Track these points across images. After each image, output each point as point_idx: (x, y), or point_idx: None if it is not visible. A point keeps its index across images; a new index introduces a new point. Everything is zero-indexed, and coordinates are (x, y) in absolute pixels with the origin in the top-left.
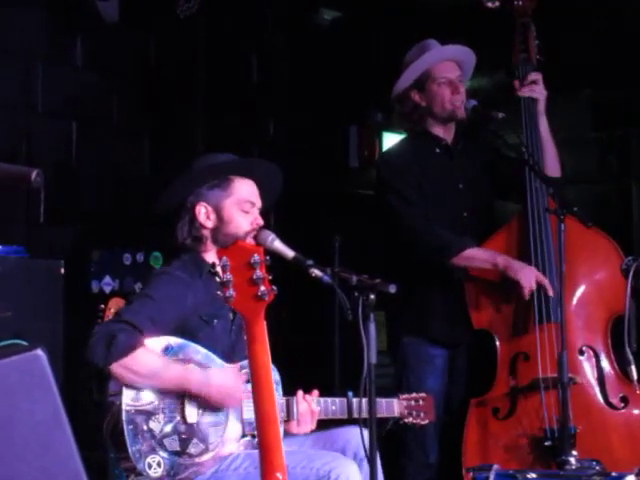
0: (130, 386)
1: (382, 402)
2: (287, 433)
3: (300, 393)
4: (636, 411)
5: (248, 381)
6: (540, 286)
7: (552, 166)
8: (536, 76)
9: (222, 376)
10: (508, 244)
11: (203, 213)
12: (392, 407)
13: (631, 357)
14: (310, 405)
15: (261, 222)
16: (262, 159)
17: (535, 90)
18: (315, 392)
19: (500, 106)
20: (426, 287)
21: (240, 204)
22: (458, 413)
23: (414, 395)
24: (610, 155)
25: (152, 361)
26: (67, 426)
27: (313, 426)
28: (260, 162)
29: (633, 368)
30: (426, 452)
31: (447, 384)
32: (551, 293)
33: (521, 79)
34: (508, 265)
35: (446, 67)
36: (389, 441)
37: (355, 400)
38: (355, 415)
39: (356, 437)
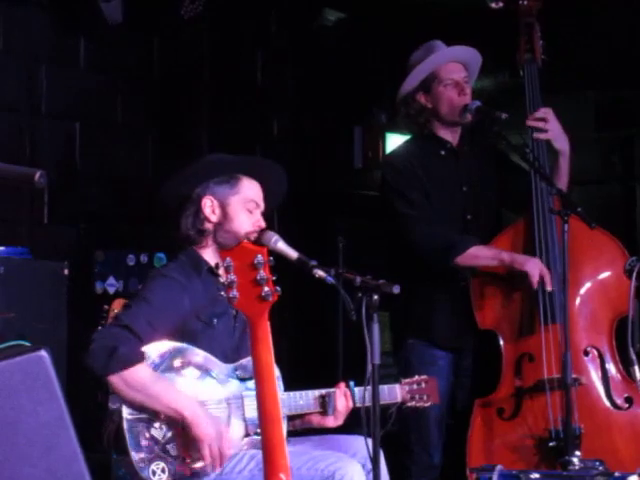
0: (122, 398)
1: (384, 388)
2: (320, 426)
3: (342, 388)
4: None
5: (245, 379)
6: (544, 287)
7: None
8: (545, 113)
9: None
10: (514, 245)
11: (209, 206)
12: (395, 393)
13: (634, 357)
14: (348, 401)
15: (263, 224)
16: (271, 161)
17: (547, 128)
18: (342, 384)
19: (503, 107)
20: (429, 289)
21: (246, 203)
22: (463, 414)
23: (416, 378)
24: (613, 156)
25: (149, 379)
26: (71, 427)
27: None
28: (270, 164)
29: (636, 368)
30: (430, 453)
31: (452, 385)
32: (549, 288)
33: (529, 108)
34: (513, 259)
35: (452, 68)
36: (393, 443)
37: (357, 390)
38: (358, 404)
39: (363, 449)
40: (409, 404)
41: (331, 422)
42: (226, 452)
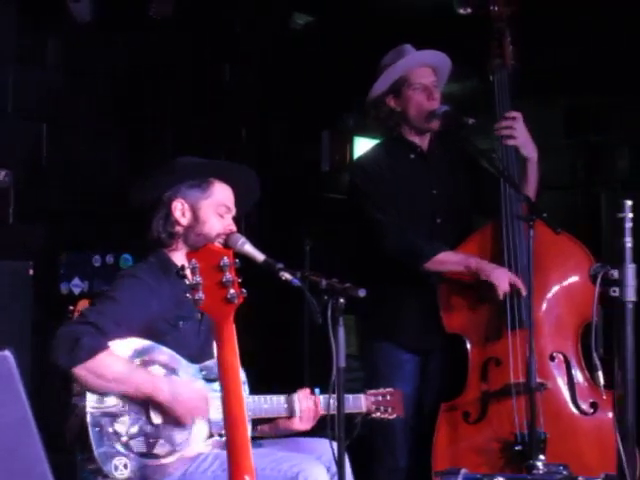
0: (93, 390)
1: (349, 398)
2: (289, 430)
3: (304, 390)
4: (605, 416)
5: (211, 380)
6: (513, 291)
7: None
8: (513, 122)
9: (188, 392)
10: (481, 249)
11: (179, 209)
12: (359, 402)
13: (598, 363)
14: (318, 404)
15: (234, 228)
16: (244, 166)
17: (514, 135)
18: (306, 390)
19: (472, 112)
20: (398, 292)
21: (217, 207)
22: (429, 417)
23: (381, 390)
24: (579, 162)
25: (117, 365)
26: (34, 429)
27: (314, 423)
28: (242, 169)
29: (600, 374)
30: (396, 457)
31: (418, 389)
32: (524, 293)
33: (499, 114)
34: (480, 267)
35: (422, 73)
36: (359, 446)
37: (322, 397)
38: (323, 412)
39: (328, 452)
40: (373, 415)
41: (297, 424)
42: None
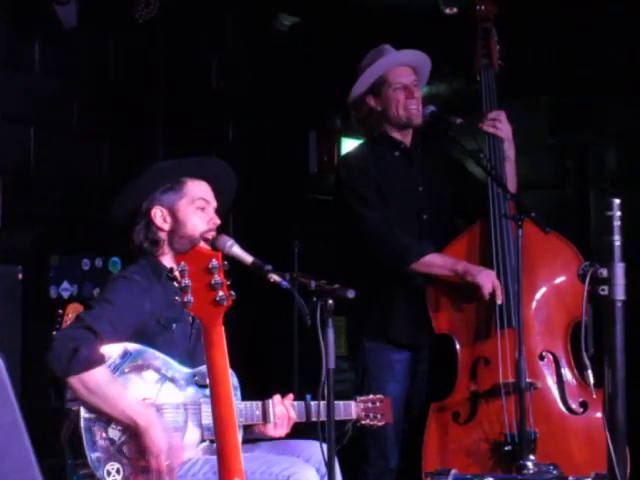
0: (82, 402)
1: (340, 405)
2: (264, 435)
3: (278, 397)
4: (595, 416)
5: (204, 386)
6: (495, 300)
7: None
8: (497, 114)
9: (166, 434)
10: (469, 249)
11: (159, 216)
12: (350, 409)
13: (588, 362)
14: (289, 410)
15: (218, 221)
16: (214, 158)
17: (498, 127)
18: (290, 396)
19: (459, 112)
20: (388, 290)
21: (194, 203)
22: (419, 418)
23: (371, 397)
24: (567, 161)
25: (107, 383)
26: (25, 433)
27: (288, 430)
28: (212, 161)
29: (590, 373)
30: (386, 457)
31: (408, 389)
32: (499, 301)
33: (485, 113)
34: (467, 270)
35: (401, 72)
36: (349, 447)
37: (313, 403)
38: (314, 418)
39: (317, 453)
40: (363, 422)
41: (271, 430)
42: (174, 467)
